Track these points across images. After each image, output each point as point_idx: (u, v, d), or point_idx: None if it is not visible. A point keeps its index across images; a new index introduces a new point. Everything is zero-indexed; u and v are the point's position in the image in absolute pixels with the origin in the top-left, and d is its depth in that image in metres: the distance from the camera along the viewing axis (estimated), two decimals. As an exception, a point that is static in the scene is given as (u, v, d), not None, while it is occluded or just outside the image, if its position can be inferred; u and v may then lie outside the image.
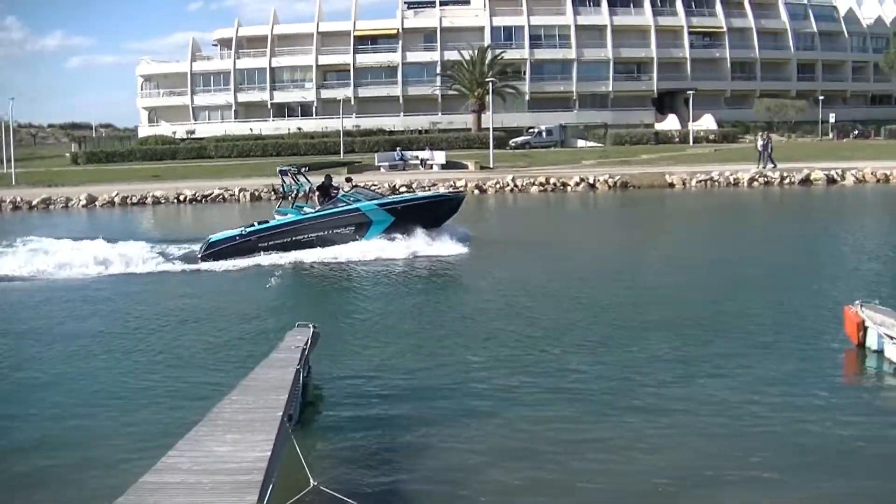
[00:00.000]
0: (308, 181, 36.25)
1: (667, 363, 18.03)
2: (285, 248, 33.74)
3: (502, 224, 44.51)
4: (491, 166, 73.21)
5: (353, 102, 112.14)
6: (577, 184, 63.31)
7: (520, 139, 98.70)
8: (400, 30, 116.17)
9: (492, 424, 14.54)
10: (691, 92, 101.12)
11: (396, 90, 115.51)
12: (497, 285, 27.50)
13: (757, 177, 63.20)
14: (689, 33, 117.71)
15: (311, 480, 10.41)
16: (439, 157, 77.18)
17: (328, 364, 18.04)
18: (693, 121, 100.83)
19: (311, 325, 17.13)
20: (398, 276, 29.46)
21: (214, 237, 34.48)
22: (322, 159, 70.54)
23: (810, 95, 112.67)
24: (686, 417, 14.74)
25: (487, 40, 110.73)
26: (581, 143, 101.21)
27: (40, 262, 32.40)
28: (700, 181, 62.74)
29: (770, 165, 65.62)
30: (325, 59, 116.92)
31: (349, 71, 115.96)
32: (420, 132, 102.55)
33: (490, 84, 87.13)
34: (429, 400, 15.89)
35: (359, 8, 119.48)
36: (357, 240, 34.03)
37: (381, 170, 74.23)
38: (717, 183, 62.66)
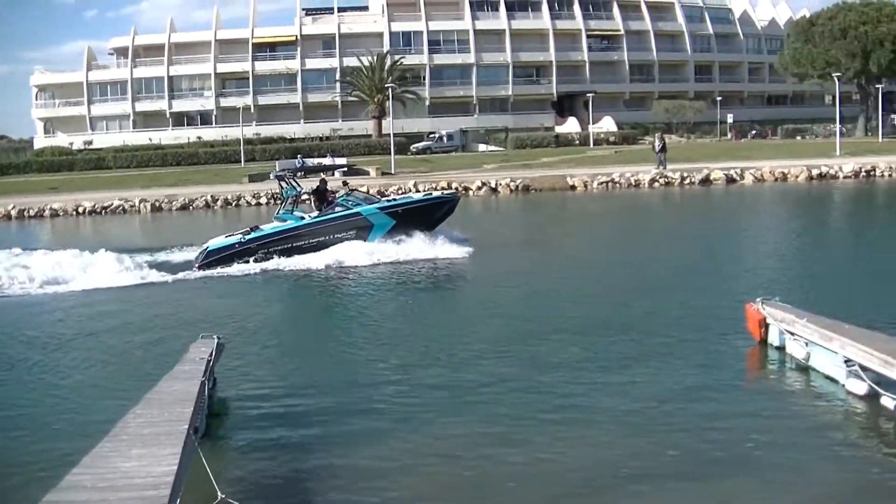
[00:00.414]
0: (300, 186, 36.51)
1: (575, 365, 18.17)
2: (286, 253, 33.74)
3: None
4: (392, 172, 72.75)
5: (252, 110, 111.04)
6: (479, 188, 63.16)
7: (421, 144, 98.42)
8: (298, 36, 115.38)
9: (402, 433, 14.53)
10: (591, 94, 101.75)
11: (296, 97, 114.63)
12: (403, 292, 27.17)
13: (657, 178, 63.50)
14: (588, 36, 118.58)
15: (219, 493, 10.22)
16: (341, 163, 76.42)
17: (235, 375, 17.91)
18: (593, 123, 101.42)
19: (215, 337, 16.99)
20: (329, 283, 29.33)
21: (213, 245, 34.18)
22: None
23: (708, 96, 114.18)
24: (595, 418, 14.93)
25: (386, 46, 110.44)
26: (482, 147, 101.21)
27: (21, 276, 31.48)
28: (601, 183, 62.90)
29: (660, 166, 66.06)
30: (224, 67, 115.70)
31: (248, 79, 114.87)
32: (321, 139, 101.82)
33: (390, 90, 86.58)
34: (337, 411, 15.81)
35: (257, 15, 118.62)
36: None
37: (282, 178, 73.10)
38: (618, 185, 62.90)
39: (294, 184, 36.34)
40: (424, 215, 35.90)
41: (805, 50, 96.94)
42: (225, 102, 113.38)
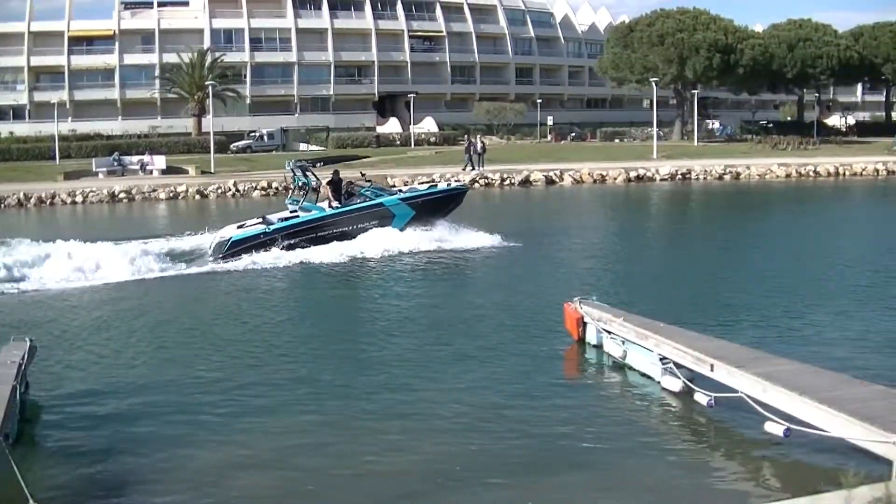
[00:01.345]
0: (317, 178, 36.74)
1: (397, 368, 18.20)
2: (311, 243, 33.98)
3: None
4: (212, 171, 71.31)
5: (68, 106, 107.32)
6: (300, 187, 62.32)
7: (241, 143, 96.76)
8: (116, 31, 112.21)
9: (223, 435, 14.43)
10: (412, 95, 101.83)
11: (114, 93, 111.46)
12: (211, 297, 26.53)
13: (478, 178, 63.74)
14: (410, 37, 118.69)
15: (30, 499, 9.88)
16: (159, 161, 74.67)
17: (49, 379, 17.40)
18: (414, 124, 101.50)
19: (27, 339, 16.43)
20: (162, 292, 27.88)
21: (237, 236, 33.82)
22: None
23: (529, 99, 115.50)
24: (418, 421, 15.06)
25: (207, 43, 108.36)
26: (303, 146, 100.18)
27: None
28: (422, 183, 62.63)
29: (469, 168, 66.41)
30: (38, 61, 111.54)
31: (64, 73, 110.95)
32: (140, 136, 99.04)
33: (210, 87, 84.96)
34: (155, 413, 15.54)
35: (73, 7, 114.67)
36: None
37: (100, 175, 70.88)
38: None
39: (315, 176, 36.69)
40: (440, 206, 37.36)
41: (624, 55, 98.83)
42: (39, 97, 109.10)
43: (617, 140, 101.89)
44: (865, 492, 9.11)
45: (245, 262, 31.97)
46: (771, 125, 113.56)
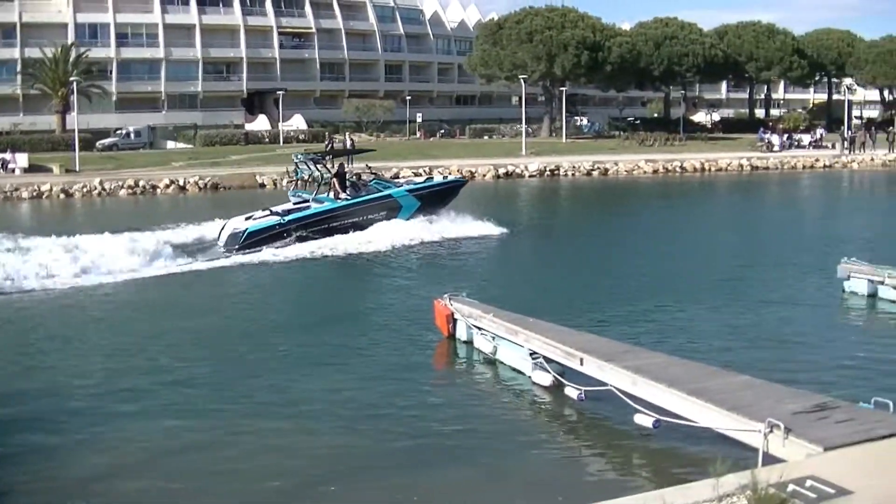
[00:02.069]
0: (328, 170, 38.06)
1: (272, 366, 18.24)
2: (323, 234, 34.89)
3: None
4: (77, 169, 69.62)
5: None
6: (168, 186, 61.32)
7: (107, 141, 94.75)
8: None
9: (96, 442, 14.18)
10: (281, 92, 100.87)
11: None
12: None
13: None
14: (279, 34, 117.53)
15: None
16: (21, 160, 72.49)
17: None
18: (283, 121, 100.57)
19: None
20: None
21: (252, 227, 34.18)
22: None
23: (398, 96, 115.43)
24: (292, 420, 15.02)
25: (71, 37, 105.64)
26: (171, 144, 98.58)
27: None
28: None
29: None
30: None
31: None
32: (1, 133, 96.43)
33: (74, 83, 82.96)
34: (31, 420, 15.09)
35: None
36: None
37: (-43, 173, 68.88)
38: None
39: (326, 168, 38.19)
40: (442, 197, 39.37)
41: (493, 52, 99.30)
42: None
43: (486, 137, 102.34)
44: (732, 479, 9.24)
45: (262, 253, 32.50)
46: (638, 122, 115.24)
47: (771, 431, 11.23)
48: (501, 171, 67.93)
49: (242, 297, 26.04)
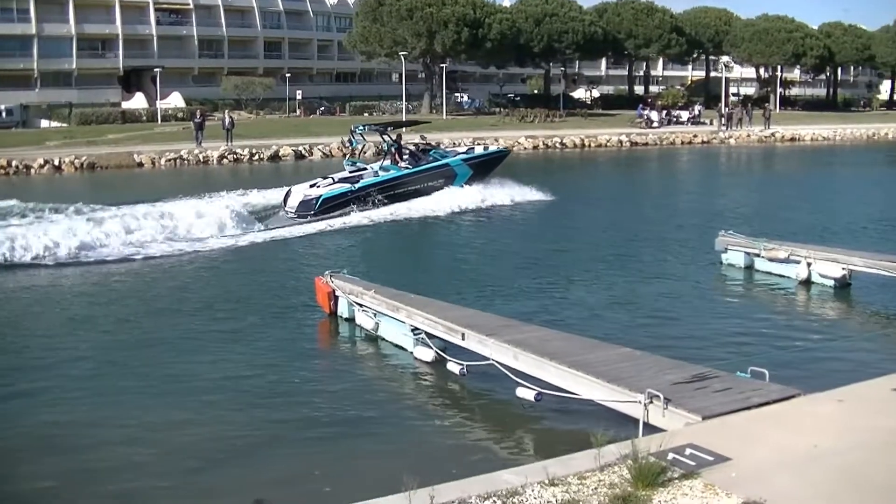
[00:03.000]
0: (392, 139, 41.41)
1: (163, 347, 18.07)
2: (392, 199, 37.45)
3: None
4: (-55, 149, 67.70)
5: None
6: (42, 166, 59.65)
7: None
8: None
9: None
10: (158, 69, 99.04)
11: None
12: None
13: (226, 154, 62.67)
14: (156, 9, 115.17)
15: None
16: None
17: None
18: (161, 99, 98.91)
19: None
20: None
21: (326, 194, 36.12)
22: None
23: (278, 73, 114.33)
24: (177, 400, 14.85)
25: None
26: (45, 123, 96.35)
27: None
28: (169, 160, 61.27)
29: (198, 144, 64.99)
30: None
31: None
32: None
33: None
34: None
35: None
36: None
37: None
38: (186, 161, 61.49)
39: (390, 137, 41.40)
40: (490, 166, 42.90)
41: (373, 29, 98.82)
42: None
43: (366, 114, 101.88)
44: (614, 450, 9.34)
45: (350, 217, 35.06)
46: (518, 98, 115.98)
47: (651, 402, 11.35)
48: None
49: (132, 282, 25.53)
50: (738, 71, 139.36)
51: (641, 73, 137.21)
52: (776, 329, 19.38)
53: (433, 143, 46.00)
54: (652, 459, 9.03)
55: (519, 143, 73.46)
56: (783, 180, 55.68)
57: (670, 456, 9.37)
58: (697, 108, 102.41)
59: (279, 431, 13.50)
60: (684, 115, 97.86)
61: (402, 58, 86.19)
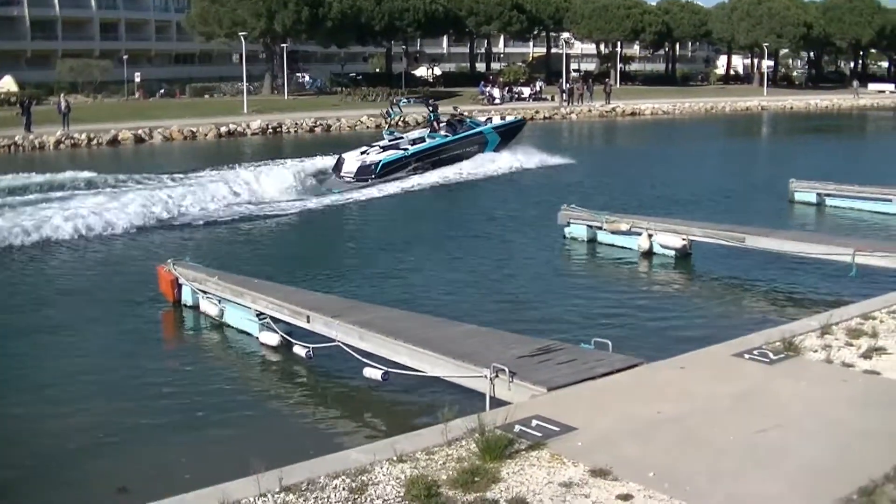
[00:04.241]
0: (436, 109, 48.10)
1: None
2: (435, 164, 41.91)
3: None
4: None
5: None
6: None
7: None
8: None
9: None
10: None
11: None
12: None
13: (63, 139, 60.91)
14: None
15: None
16: None
17: None
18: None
19: None
20: None
21: (385, 159, 40.06)
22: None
23: (115, 55, 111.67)
24: (27, 395, 14.50)
25: None
26: None
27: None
28: (2, 146, 59.25)
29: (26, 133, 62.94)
30: None
31: None
32: None
33: None
34: None
35: None
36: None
37: None
38: (22, 147, 59.58)
39: (435, 107, 48.37)
40: (513, 133, 48.61)
41: (212, 9, 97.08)
42: None
43: (207, 96, 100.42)
44: (461, 424, 9.37)
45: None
46: (360, 77, 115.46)
47: (496, 376, 11.41)
48: (223, 129, 66.75)
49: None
50: (579, 47, 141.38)
51: (483, 50, 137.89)
52: (619, 300, 19.76)
53: (465, 114, 51.50)
54: (499, 432, 9.09)
55: (361, 122, 73.32)
56: (625, 154, 56.91)
57: (517, 428, 9.45)
58: (539, 84, 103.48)
59: (132, 422, 13.25)
60: (526, 91, 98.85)
61: (242, 38, 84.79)
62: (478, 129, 46.18)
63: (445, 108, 52.49)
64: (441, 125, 45.63)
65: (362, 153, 40.64)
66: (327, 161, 42.41)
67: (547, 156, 46.00)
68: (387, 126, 50.58)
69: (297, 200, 34.82)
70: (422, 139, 43.52)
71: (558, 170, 42.68)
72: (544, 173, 42.16)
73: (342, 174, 39.46)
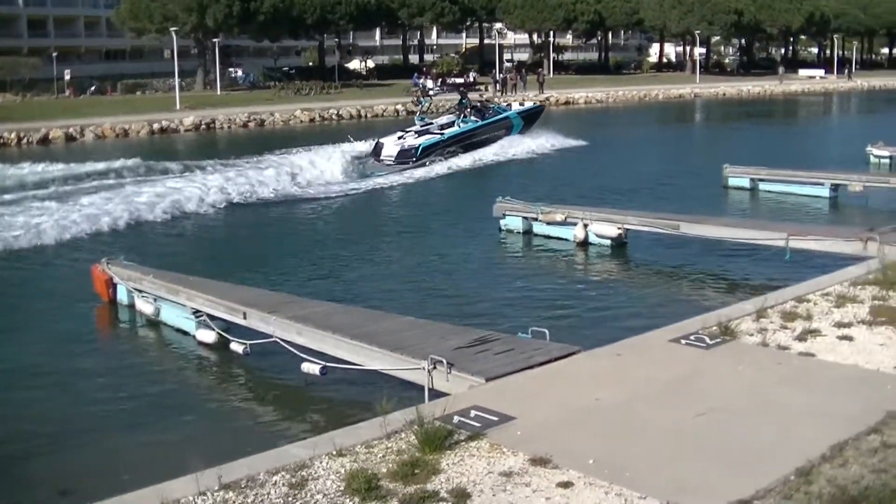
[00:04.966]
0: (467, 96, 51.91)
1: None
2: (467, 148, 44.43)
3: None
4: None
5: None
6: None
7: None
8: None
9: None
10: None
11: None
12: None
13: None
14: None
15: None
16: None
17: None
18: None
19: None
20: None
21: (425, 142, 42.69)
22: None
23: (44, 52, 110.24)
24: None
25: None
26: None
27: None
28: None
29: None
30: None
31: None
32: None
33: None
34: None
35: None
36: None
37: None
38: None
39: (465, 95, 52.10)
40: (534, 118, 51.77)
41: (143, 4, 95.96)
42: None
43: (139, 92, 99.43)
44: (400, 417, 9.38)
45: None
46: (293, 71, 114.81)
47: (434, 368, 11.42)
48: (156, 126, 66.13)
49: None
50: (512, 37, 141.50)
51: (416, 42, 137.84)
52: (556, 290, 19.85)
53: (491, 100, 55.91)
54: (437, 424, 9.09)
55: (295, 117, 72.87)
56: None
57: (456, 419, 9.45)
58: (472, 75, 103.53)
59: (70, 424, 13.12)
60: (460, 82, 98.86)
61: (174, 34, 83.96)
62: (504, 115, 49.36)
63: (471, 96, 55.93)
64: (469, 111, 47.89)
65: (399, 138, 43.19)
66: (358, 147, 44.73)
67: (564, 138, 49.77)
68: (418, 112, 54.41)
69: (343, 184, 37.44)
70: (450, 124, 45.87)
71: (496, 161, 42.85)
72: (480, 166, 42.17)
73: (382, 158, 41.84)
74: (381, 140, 43.34)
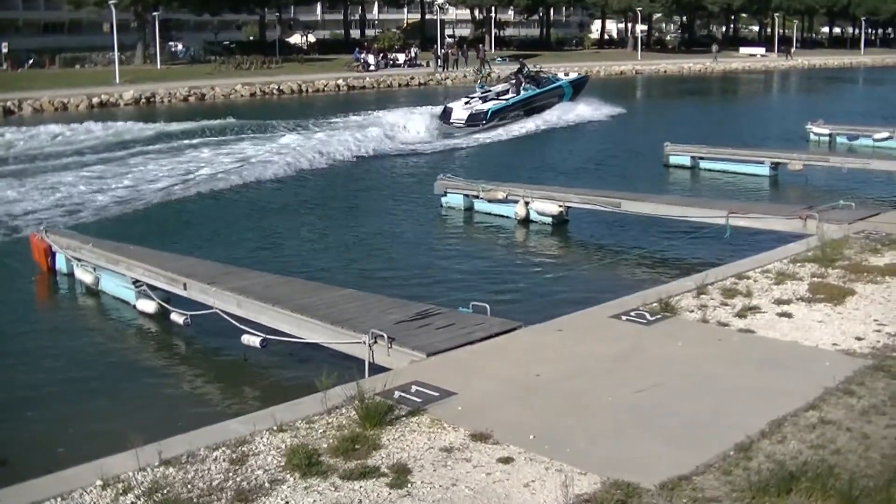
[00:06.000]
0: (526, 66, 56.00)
1: None
2: (527, 113, 48.76)
3: None
4: None
5: None
6: None
7: None
8: None
9: None
10: None
11: None
12: None
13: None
14: None
15: None
16: None
17: None
18: None
19: None
20: None
21: (494, 107, 46.74)
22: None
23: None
24: None
25: None
26: None
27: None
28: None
29: None
30: None
31: None
32: None
33: None
34: None
35: None
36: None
37: None
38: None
39: (527, 67, 55.71)
40: (581, 87, 55.85)
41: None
42: None
43: (78, 66, 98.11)
44: (340, 392, 9.34)
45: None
46: (234, 45, 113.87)
47: (375, 342, 11.37)
48: (95, 100, 65.44)
49: None
50: (453, 13, 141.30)
51: (357, 17, 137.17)
52: (497, 266, 19.87)
53: (545, 70, 58.60)
54: (378, 399, 9.06)
55: (236, 91, 72.37)
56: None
57: (396, 394, 9.42)
58: (414, 50, 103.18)
59: (5, 396, 12.93)
60: (401, 57, 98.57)
61: (113, 7, 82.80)
62: (558, 83, 53.76)
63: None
64: (526, 80, 51.07)
65: (466, 103, 46.95)
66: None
67: (606, 107, 53.55)
68: (479, 81, 60.95)
69: (430, 142, 41.76)
70: (505, 92, 49.53)
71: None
72: (420, 142, 42.03)
73: (451, 121, 45.56)
74: (450, 104, 47.55)
